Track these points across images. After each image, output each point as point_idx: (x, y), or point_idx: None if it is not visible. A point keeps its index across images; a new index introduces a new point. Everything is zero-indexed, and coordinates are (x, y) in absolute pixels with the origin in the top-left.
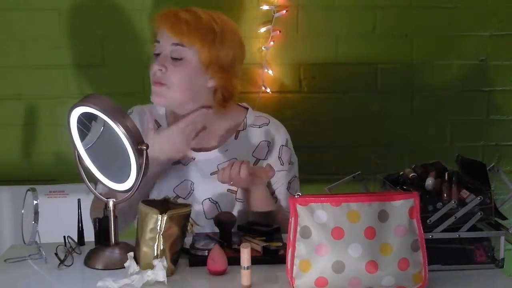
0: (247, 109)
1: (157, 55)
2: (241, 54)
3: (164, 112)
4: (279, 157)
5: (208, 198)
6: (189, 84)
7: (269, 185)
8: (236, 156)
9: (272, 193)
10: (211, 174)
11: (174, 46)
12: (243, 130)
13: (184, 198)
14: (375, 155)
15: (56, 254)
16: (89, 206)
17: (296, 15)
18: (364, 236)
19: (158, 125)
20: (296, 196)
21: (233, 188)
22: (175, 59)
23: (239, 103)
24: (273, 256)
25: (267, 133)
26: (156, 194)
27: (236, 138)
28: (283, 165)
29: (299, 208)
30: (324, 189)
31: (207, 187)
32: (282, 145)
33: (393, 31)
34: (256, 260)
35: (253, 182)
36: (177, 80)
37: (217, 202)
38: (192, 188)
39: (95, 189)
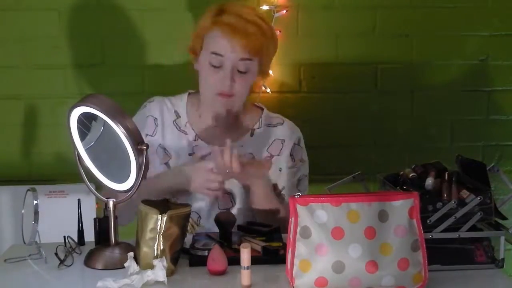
0: (262, 109)
1: (216, 66)
2: (277, 46)
3: (185, 103)
4: (290, 154)
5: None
6: (248, 89)
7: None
8: (250, 151)
9: (280, 190)
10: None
11: (242, 61)
12: (258, 128)
13: None
14: (374, 155)
15: (56, 254)
16: (89, 206)
17: (296, 15)
18: (364, 236)
19: (177, 116)
20: (296, 196)
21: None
22: (241, 72)
23: (255, 103)
24: (273, 256)
25: (281, 132)
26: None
27: (251, 135)
28: (294, 161)
29: (299, 208)
30: (324, 189)
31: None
32: (295, 143)
33: (393, 31)
34: (256, 260)
35: (250, 175)
36: (243, 90)
37: (231, 193)
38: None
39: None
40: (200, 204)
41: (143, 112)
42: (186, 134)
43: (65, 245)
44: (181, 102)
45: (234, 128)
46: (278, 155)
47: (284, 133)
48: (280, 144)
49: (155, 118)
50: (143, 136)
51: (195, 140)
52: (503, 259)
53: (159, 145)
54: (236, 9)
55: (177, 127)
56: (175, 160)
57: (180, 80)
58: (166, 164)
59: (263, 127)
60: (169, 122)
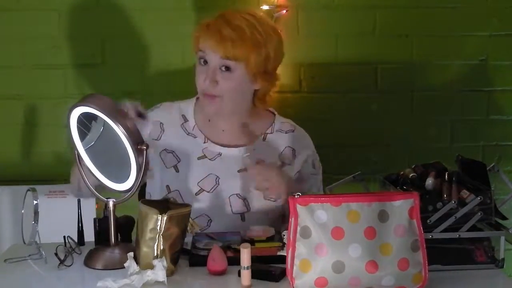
0: (274, 114)
1: (204, 62)
2: (281, 52)
3: (193, 108)
4: (312, 163)
5: (236, 194)
6: (239, 92)
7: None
8: (262, 157)
9: None
10: (238, 171)
11: (222, 60)
12: (271, 133)
13: (208, 192)
14: (374, 155)
15: (56, 254)
16: (89, 206)
17: (296, 15)
18: (364, 236)
19: (185, 120)
20: (296, 196)
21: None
22: (224, 70)
23: (268, 108)
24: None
25: (292, 140)
26: (179, 185)
27: (264, 139)
28: (315, 168)
29: (299, 208)
30: (324, 189)
31: (234, 183)
32: (313, 151)
33: (393, 31)
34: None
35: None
36: (229, 91)
37: (245, 198)
38: (217, 183)
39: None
40: (209, 206)
41: (149, 117)
42: (195, 137)
43: (65, 245)
44: (189, 106)
45: (245, 133)
46: (289, 164)
47: (296, 143)
48: (291, 154)
49: (161, 123)
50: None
51: (204, 142)
52: (503, 259)
53: (165, 149)
54: (227, 14)
55: (185, 131)
56: (185, 163)
57: (180, 80)
58: (175, 167)
59: (275, 133)
60: (177, 126)
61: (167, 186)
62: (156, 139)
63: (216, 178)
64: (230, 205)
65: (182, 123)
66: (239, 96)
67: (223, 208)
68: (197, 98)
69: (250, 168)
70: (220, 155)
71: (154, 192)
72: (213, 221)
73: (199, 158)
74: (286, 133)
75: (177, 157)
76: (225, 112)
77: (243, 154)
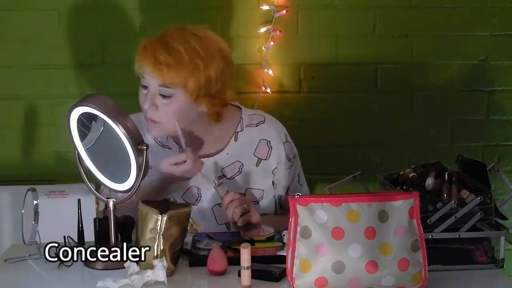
0: (240, 108)
1: (145, 87)
2: (229, 71)
3: None
4: (286, 156)
5: (219, 204)
6: (181, 116)
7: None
8: (238, 158)
9: (286, 195)
10: (218, 177)
11: (160, 87)
12: (241, 131)
13: (194, 205)
14: (374, 155)
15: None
16: (89, 206)
17: (296, 15)
18: (364, 236)
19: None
20: (296, 196)
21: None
22: (164, 96)
23: (232, 103)
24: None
25: (264, 131)
26: None
27: (236, 140)
28: (290, 161)
29: (299, 208)
30: (324, 189)
31: (215, 192)
32: (284, 142)
33: (393, 31)
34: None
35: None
36: (169, 116)
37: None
38: (199, 194)
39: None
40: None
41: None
42: (170, 149)
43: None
44: None
45: (217, 137)
46: (265, 159)
47: (269, 133)
48: (266, 147)
49: None
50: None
51: (180, 151)
52: (503, 259)
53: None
54: (170, 35)
55: (160, 143)
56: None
57: None
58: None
59: (246, 128)
60: (150, 140)
61: None
62: None
63: (198, 190)
64: (215, 216)
65: (154, 137)
66: (183, 118)
67: (210, 220)
68: None
69: (225, 197)
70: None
71: None
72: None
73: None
74: (256, 125)
75: (157, 171)
76: (171, 134)
77: (215, 183)
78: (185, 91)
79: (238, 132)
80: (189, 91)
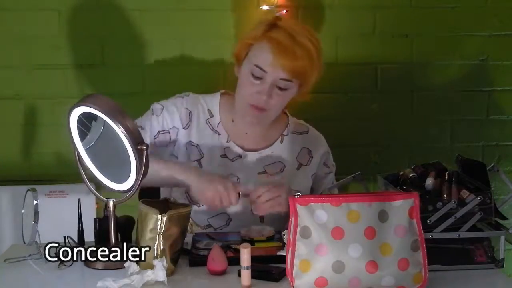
0: (287, 114)
1: (258, 78)
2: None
3: (218, 103)
4: (324, 163)
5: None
6: (284, 104)
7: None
8: (281, 159)
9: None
10: (258, 173)
11: (283, 81)
12: (287, 135)
13: None
14: (374, 155)
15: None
16: (89, 206)
17: (296, 15)
18: (364, 236)
19: (211, 115)
20: (296, 196)
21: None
22: (280, 88)
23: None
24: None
25: (307, 141)
26: None
27: (281, 142)
28: (329, 167)
29: (299, 208)
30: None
31: (254, 183)
32: (325, 152)
33: (393, 31)
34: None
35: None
36: (278, 106)
37: None
38: (238, 183)
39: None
40: (233, 207)
41: (180, 102)
42: (219, 134)
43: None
44: (213, 101)
45: (265, 135)
46: (306, 165)
47: (310, 143)
48: (307, 155)
49: (190, 111)
50: (172, 126)
51: (227, 141)
52: (503, 259)
53: (190, 142)
54: (289, 27)
55: (210, 126)
56: (208, 160)
57: (180, 80)
58: (198, 161)
59: (291, 134)
60: (203, 120)
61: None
62: (184, 128)
63: (238, 179)
64: (250, 207)
65: (208, 118)
66: (282, 107)
67: (244, 210)
68: (221, 94)
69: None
70: (240, 157)
71: None
72: (232, 221)
73: (221, 156)
74: (300, 134)
75: (201, 152)
76: (266, 123)
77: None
78: (302, 84)
79: (284, 135)
80: (306, 85)
